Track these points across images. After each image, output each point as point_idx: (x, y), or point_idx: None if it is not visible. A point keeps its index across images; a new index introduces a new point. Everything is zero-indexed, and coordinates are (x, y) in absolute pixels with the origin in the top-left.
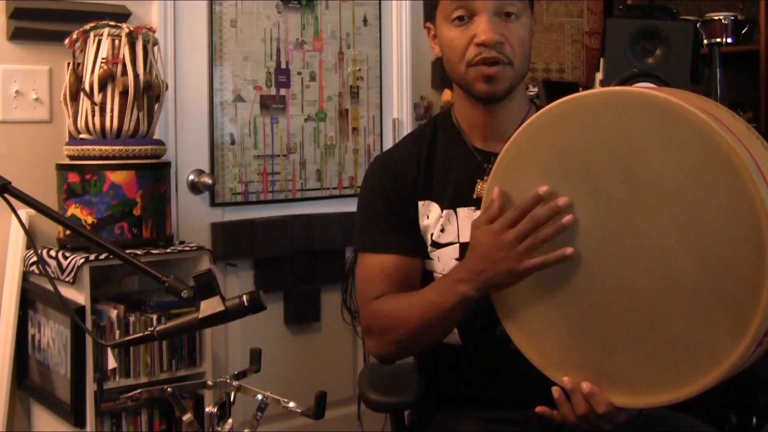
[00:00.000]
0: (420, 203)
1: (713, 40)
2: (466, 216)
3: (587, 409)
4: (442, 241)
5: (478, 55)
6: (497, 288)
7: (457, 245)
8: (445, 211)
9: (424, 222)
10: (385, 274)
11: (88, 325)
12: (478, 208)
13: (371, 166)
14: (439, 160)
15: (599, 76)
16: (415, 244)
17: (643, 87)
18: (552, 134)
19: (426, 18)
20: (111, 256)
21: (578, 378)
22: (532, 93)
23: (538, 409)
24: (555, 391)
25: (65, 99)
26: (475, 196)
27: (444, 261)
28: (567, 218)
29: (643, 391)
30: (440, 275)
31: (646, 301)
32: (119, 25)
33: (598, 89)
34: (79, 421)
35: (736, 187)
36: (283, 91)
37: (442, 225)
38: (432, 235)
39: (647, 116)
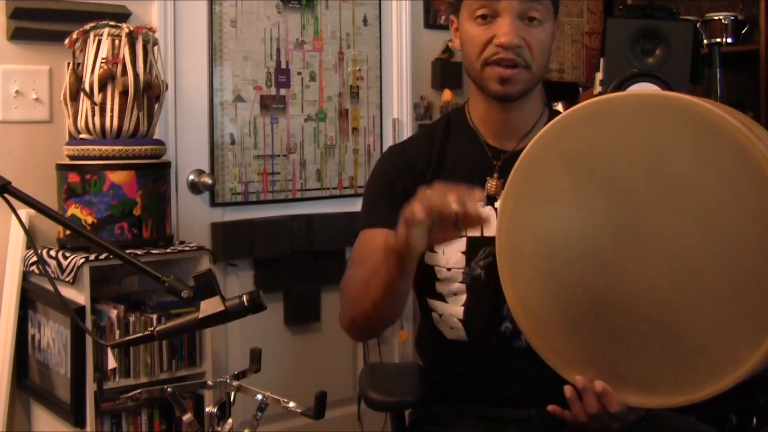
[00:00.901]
0: None
1: (713, 40)
2: None
3: (599, 409)
4: None
5: (496, 55)
6: (409, 248)
7: (464, 239)
8: None
9: None
10: (375, 250)
11: (88, 325)
12: (488, 204)
13: (383, 155)
14: (450, 154)
15: (599, 76)
16: None
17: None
18: (579, 134)
19: (452, 10)
20: (111, 256)
21: (591, 377)
22: None
23: (550, 407)
24: (567, 390)
25: (65, 99)
26: (485, 194)
27: (449, 254)
28: (485, 215)
29: (658, 392)
30: (442, 269)
31: (666, 302)
32: (119, 25)
33: (628, 92)
34: (79, 421)
35: (763, 193)
36: (283, 91)
37: None
38: None
39: (678, 120)
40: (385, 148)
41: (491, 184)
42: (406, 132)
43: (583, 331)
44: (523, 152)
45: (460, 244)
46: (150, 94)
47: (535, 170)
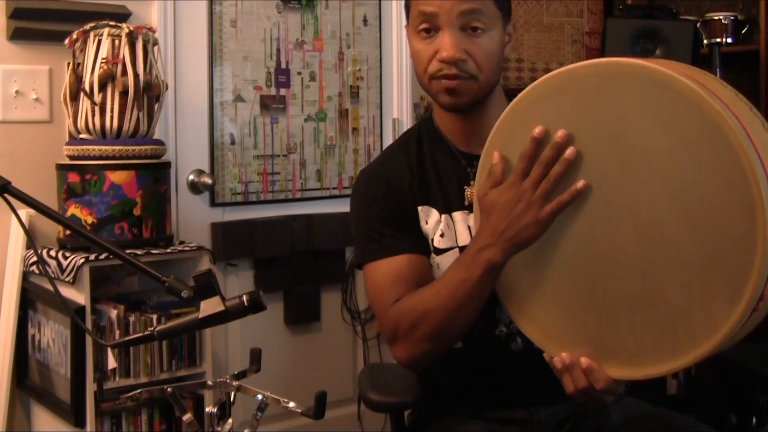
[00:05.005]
0: (419, 208)
1: (713, 40)
2: (461, 220)
3: (587, 384)
4: (442, 246)
5: (440, 71)
6: (522, 244)
7: (457, 249)
8: (443, 216)
9: (424, 227)
10: (400, 277)
11: (88, 325)
12: (471, 212)
13: (360, 179)
14: (429, 165)
15: None
16: (423, 243)
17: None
18: (542, 109)
19: (406, 19)
20: (111, 256)
21: (577, 353)
22: None
23: (546, 355)
24: (557, 361)
25: (65, 99)
26: (466, 203)
27: (444, 268)
28: (569, 152)
29: (642, 363)
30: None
31: (641, 271)
32: (119, 25)
33: (586, 62)
34: (79, 421)
35: (725, 154)
36: (283, 91)
37: (441, 230)
38: (432, 240)
39: (635, 86)
40: (385, 148)
41: (470, 192)
42: None
43: (567, 308)
44: (492, 131)
45: (454, 255)
46: (150, 94)
47: (505, 148)
